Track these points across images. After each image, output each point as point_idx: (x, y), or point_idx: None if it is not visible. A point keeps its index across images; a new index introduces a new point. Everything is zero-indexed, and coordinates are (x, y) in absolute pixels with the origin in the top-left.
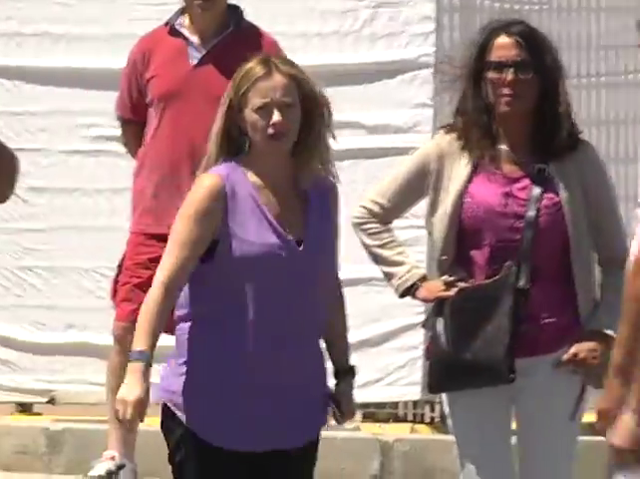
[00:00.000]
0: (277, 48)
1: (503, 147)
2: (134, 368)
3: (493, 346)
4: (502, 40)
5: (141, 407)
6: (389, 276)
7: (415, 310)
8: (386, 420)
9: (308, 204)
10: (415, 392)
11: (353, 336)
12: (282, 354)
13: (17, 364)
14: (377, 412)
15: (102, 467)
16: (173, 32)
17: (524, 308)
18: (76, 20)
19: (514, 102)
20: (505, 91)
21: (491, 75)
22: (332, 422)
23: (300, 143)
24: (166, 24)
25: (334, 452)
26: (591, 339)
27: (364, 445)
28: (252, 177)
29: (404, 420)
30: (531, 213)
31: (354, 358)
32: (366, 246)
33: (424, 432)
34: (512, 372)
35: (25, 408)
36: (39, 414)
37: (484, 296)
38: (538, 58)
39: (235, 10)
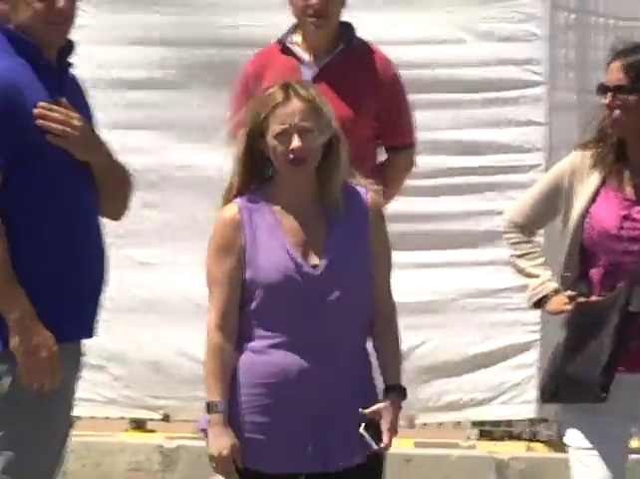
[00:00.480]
0: (390, 65)
1: (629, 168)
2: (213, 421)
3: (592, 364)
4: (614, 64)
5: (231, 457)
6: (526, 287)
7: (529, 329)
8: (501, 438)
9: (333, 224)
10: (530, 410)
11: (469, 354)
12: (311, 374)
13: (131, 380)
14: (492, 430)
15: None
16: (285, 50)
17: (632, 329)
18: None
19: (614, 124)
20: (607, 114)
21: (601, 98)
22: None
23: (320, 166)
24: (278, 42)
25: (450, 470)
26: None
27: (480, 463)
28: (274, 203)
29: (519, 438)
30: None
31: (470, 376)
32: (510, 256)
33: (540, 450)
34: (605, 392)
35: (139, 425)
36: (153, 431)
37: (594, 313)
38: None
39: (347, 27)
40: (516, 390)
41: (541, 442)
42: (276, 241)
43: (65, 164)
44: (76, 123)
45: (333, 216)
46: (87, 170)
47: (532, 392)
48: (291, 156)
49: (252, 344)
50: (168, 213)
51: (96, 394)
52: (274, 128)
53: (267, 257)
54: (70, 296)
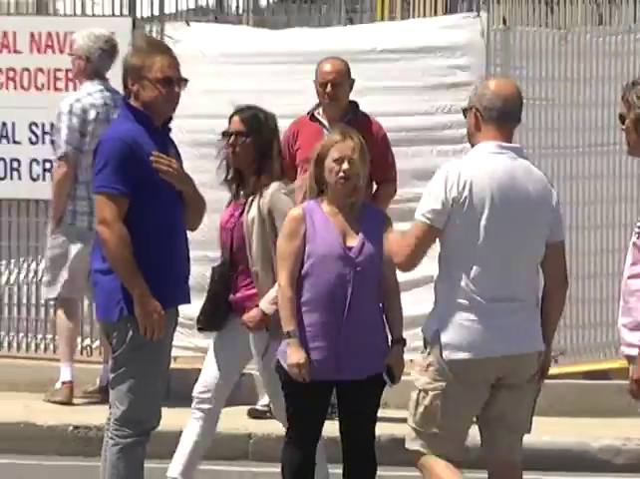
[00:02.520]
0: (381, 129)
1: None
2: (292, 343)
3: None
4: (235, 117)
5: (307, 365)
6: None
7: None
8: None
9: (361, 224)
10: None
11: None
12: (343, 320)
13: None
14: None
15: None
16: (312, 118)
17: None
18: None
19: (234, 159)
20: (230, 150)
21: (225, 141)
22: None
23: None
24: (308, 113)
25: None
26: None
27: None
28: (326, 206)
29: None
30: None
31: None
32: None
33: None
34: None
35: None
36: None
37: None
38: (255, 130)
39: (353, 103)
40: None
41: None
42: (327, 229)
43: (168, 192)
44: (175, 165)
45: (361, 218)
46: (180, 197)
47: None
48: (342, 174)
49: (303, 300)
50: None
51: (187, 342)
52: (334, 155)
53: (321, 238)
54: (170, 279)
